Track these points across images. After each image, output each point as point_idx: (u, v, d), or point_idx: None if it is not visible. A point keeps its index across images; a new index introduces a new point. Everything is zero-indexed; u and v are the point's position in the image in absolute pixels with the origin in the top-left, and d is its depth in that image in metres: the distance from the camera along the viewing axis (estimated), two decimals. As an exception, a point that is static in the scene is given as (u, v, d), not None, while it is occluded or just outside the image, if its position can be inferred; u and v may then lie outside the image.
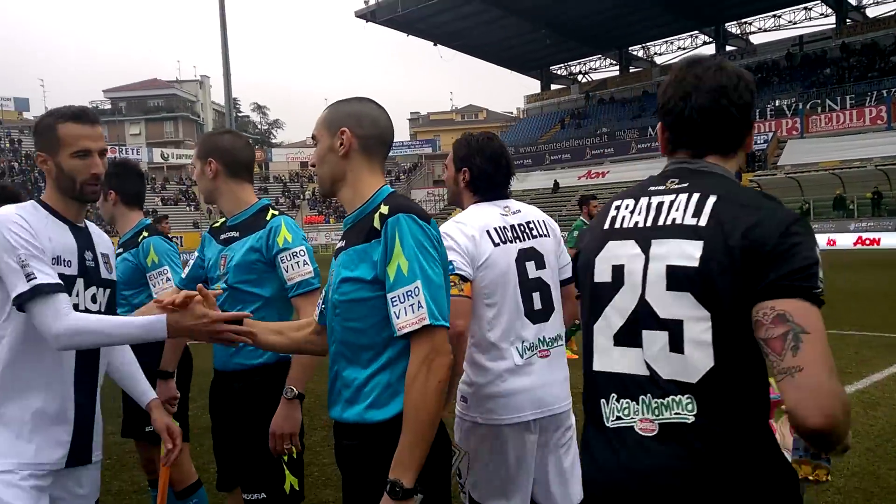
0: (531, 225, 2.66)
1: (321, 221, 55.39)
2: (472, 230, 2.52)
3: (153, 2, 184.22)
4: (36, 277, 1.94)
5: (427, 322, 1.68)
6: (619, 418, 1.51)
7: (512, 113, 72.08)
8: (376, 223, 1.79)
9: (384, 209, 1.80)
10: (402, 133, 76.76)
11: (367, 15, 44.41)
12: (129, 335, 1.99)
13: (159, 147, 66.16)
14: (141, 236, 3.35)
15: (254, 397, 2.62)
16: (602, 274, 1.58)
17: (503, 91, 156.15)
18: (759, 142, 35.71)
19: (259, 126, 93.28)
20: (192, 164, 2.79)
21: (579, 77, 58.82)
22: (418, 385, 1.68)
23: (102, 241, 2.34)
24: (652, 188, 1.59)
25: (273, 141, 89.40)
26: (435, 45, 48.54)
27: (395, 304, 1.72)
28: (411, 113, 78.71)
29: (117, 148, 62.95)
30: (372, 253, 1.79)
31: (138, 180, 3.45)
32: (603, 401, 1.55)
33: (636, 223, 1.55)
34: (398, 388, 1.76)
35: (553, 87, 59.54)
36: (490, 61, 54.57)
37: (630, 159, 43.86)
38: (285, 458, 2.60)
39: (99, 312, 2.22)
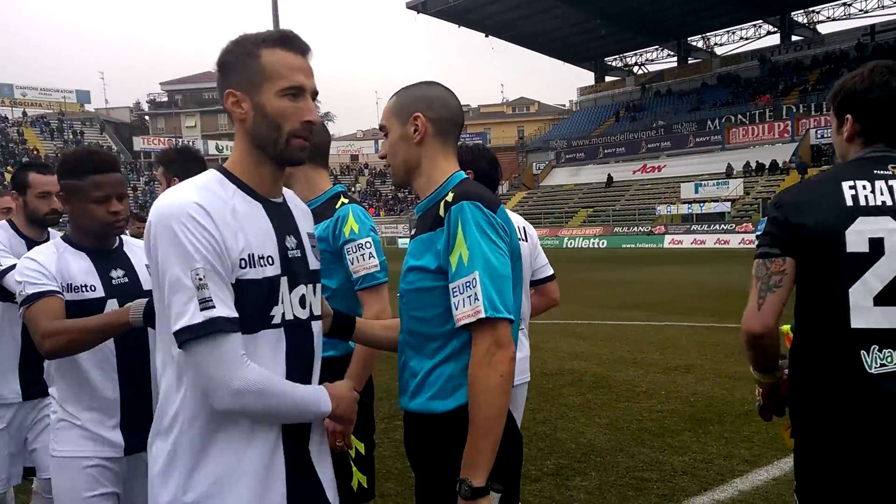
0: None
1: (372, 214, 55.20)
2: None
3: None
4: (214, 307, 1.46)
5: (482, 315, 1.65)
6: (882, 365, 1.78)
7: (564, 105, 71.12)
8: (441, 211, 1.76)
9: (450, 196, 1.76)
10: (452, 125, 76.53)
11: (418, 6, 44.09)
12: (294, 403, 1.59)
13: (214, 139, 67.19)
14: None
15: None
16: (856, 245, 1.78)
17: (555, 83, 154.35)
18: (827, 136, 34.10)
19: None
20: None
21: (635, 69, 57.41)
22: (479, 380, 1.66)
23: (304, 216, 1.84)
24: (877, 172, 1.85)
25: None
26: (486, 36, 47.98)
27: (455, 294, 1.70)
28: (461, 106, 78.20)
29: (174, 140, 64.34)
30: (436, 241, 1.76)
31: (200, 167, 3.22)
32: (863, 352, 1.78)
33: (883, 202, 1.80)
34: (461, 380, 1.73)
35: (607, 78, 58.33)
36: (542, 52, 53.66)
37: (688, 153, 42.65)
38: (352, 453, 2.52)
39: (312, 318, 1.72)
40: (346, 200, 2.61)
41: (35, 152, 53.76)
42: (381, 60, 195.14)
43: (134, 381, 2.34)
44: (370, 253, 2.51)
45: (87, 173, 2.28)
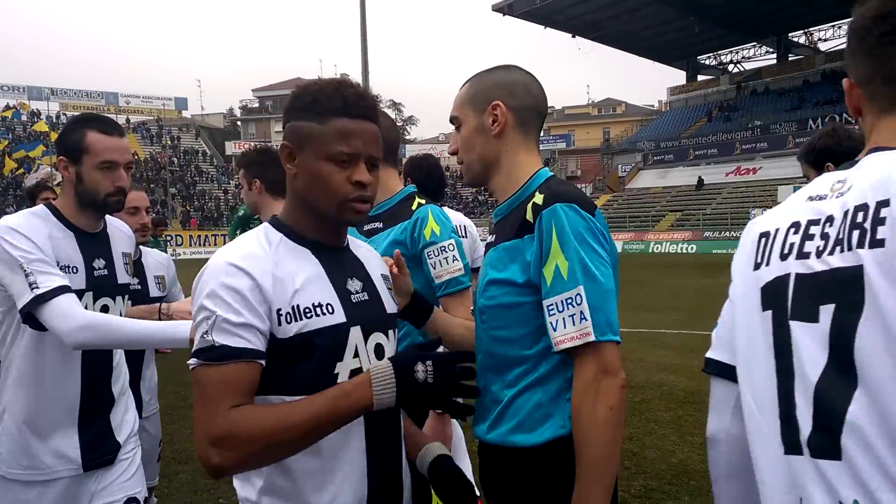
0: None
1: (452, 217, 55.46)
2: None
3: (299, 4, 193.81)
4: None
5: (592, 338, 1.43)
6: None
7: (653, 106, 69.18)
8: (528, 215, 1.55)
9: (538, 198, 1.54)
10: (535, 128, 75.93)
11: (504, 8, 43.79)
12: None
13: (301, 143, 69.01)
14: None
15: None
16: None
17: (644, 83, 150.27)
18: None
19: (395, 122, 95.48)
20: None
21: (730, 66, 55.02)
22: (585, 414, 1.43)
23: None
24: None
25: (407, 137, 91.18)
26: (573, 36, 47.11)
27: (552, 313, 1.48)
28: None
29: (263, 144, 66.39)
30: (524, 251, 1.55)
31: (279, 169, 3.07)
32: None
33: None
34: (551, 410, 1.53)
35: (700, 77, 56.19)
36: (631, 52, 52.20)
37: (785, 154, 40.35)
38: None
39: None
40: (422, 201, 2.45)
41: (135, 156, 56.70)
42: (464, 63, 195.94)
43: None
44: (454, 256, 2.33)
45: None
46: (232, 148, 63.05)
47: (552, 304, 1.48)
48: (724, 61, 55.20)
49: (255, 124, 77.48)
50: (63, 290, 2.01)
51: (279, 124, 77.87)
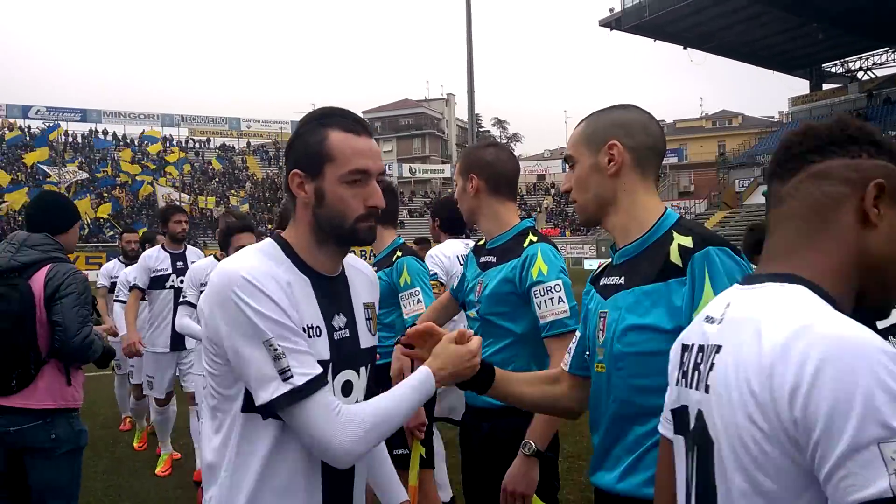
0: None
1: (557, 234, 54.83)
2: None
3: (406, 28, 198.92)
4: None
5: None
6: None
7: (773, 117, 65.52)
8: (674, 258, 1.50)
9: (684, 240, 1.51)
10: (645, 143, 73.78)
11: (611, 23, 42.93)
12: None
13: (408, 163, 70.49)
14: (395, 255, 3.30)
15: (500, 442, 2.35)
16: None
17: (762, 94, 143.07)
18: None
19: (499, 140, 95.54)
20: (455, 181, 2.61)
21: (859, 74, 51.31)
22: None
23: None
24: None
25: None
26: (685, 48, 45.45)
27: None
28: (656, 121, 75.26)
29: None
30: (670, 295, 1.49)
31: (392, 198, 3.30)
32: None
33: None
34: None
35: (826, 86, 52.71)
36: (748, 62, 49.74)
37: (927, 168, 36.96)
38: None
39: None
40: (534, 238, 2.41)
41: (254, 177, 59.79)
42: (570, 79, 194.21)
43: None
44: (560, 297, 2.28)
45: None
46: (343, 168, 65.16)
47: None
48: (853, 69, 51.55)
49: (365, 145, 79.76)
50: (324, 380, 1.44)
51: (387, 143, 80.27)
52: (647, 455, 1.52)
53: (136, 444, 6.39)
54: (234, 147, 65.79)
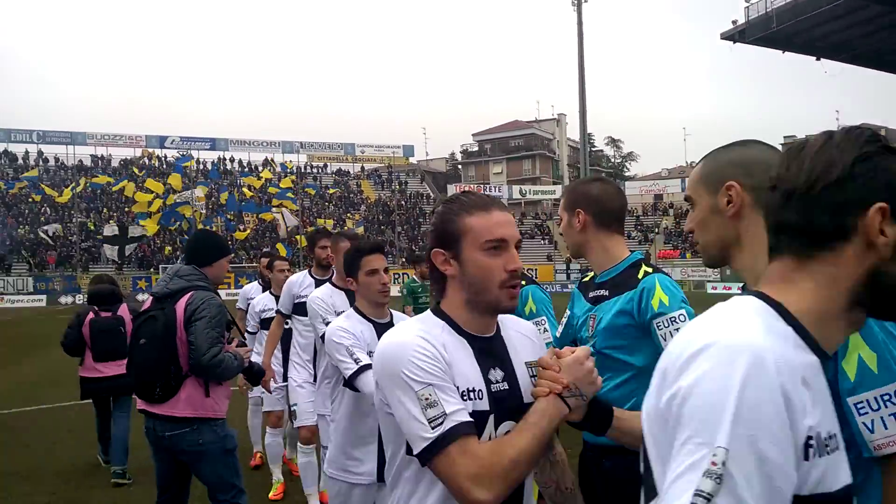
0: None
1: (676, 256, 52.77)
2: None
3: (516, 48, 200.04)
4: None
5: None
6: None
7: (918, 130, 60.34)
8: None
9: None
10: (769, 160, 70.14)
11: (734, 35, 41.18)
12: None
13: (518, 184, 70.34)
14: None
15: (622, 482, 2.10)
16: None
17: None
18: None
19: (612, 160, 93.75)
20: (559, 216, 2.64)
21: None
22: None
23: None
24: None
25: (626, 174, 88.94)
26: (817, 59, 42.86)
27: (863, 412, 1.33)
28: (784, 137, 71.08)
29: (482, 186, 68.74)
30: None
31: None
32: None
33: None
34: None
35: (978, 95, 48.00)
36: (891, 72, 46.21)
37: None
38: None
39: None
40: (649, 269, 2.40)
41: (369, 201, 61.55)
42: (690, 94, 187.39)
43: None
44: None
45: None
46: (453, 190, 65.97)
47: (862, 402, 1.33)
48: None
49: (475, 167, 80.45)
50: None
51: (497, 165, 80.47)
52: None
53: (270, 495, 5.45)
54: (349, 171, 68.15)
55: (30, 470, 6.20)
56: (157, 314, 3.50)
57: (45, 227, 47.57)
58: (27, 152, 59.79)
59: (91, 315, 6.14)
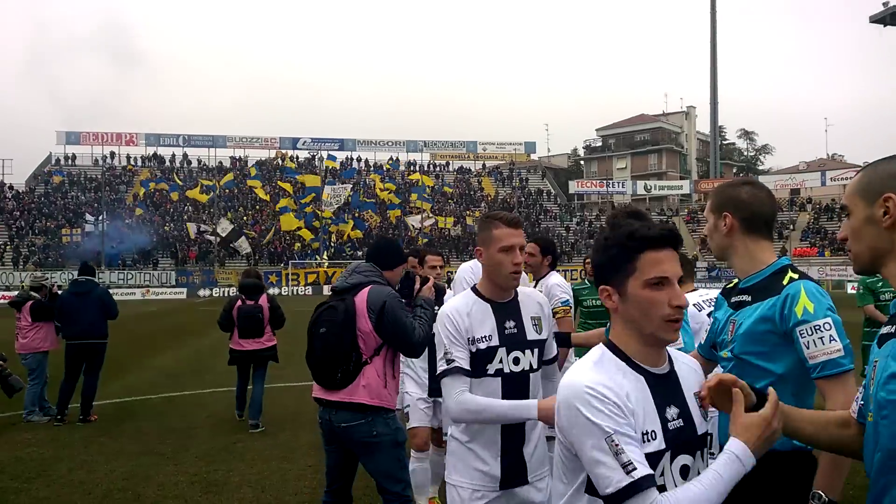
0: None
1: (814, 254, 49.34)
2: None
3: (644, 39, 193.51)
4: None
5: None
6: None
7: None
8: None
9: None
10: (927, 151, 63.70)
11: (885, 18, 37.91)
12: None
13: (643, 179, 68.28)
14: None
15: (772, 488, 2.27)
16: None
17: None
18: None
19: (745, 153, 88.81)
20: (705, 217, 2.60)
21: None
22: None
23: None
24: None
25: (760, 168, 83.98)
26: (983, 39, 38.55)
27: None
28: (940, 127, 64.37)
29: (604, 182, 67.26)
30: None
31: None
32: None
33: None
34: None
35: None
36: None
37: None
38: None
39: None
40: (795, 276, 2.33)
41: (489, 198, 61.95)
42: (833, 82, 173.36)
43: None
44: (831, 336, 2.19)
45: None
46: (575, 187, 65.03)
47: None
48: None
49: (598, 163, 78.87)
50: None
51: (621, 161, 78.42)
52: None
53: None
54: (470, 169, 68.88)
55: (174, 451, 6.90)
56: (336, 304, 3.73)
57: (208, 226, 51.00)
58: (174, 155, 64.95)
59: (239, 302, 8.09)
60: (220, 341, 17.41)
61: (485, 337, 2.74)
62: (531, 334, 2.83)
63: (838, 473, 2.13)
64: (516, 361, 2.77)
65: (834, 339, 2.19)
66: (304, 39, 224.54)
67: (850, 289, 37.96)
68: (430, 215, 52.28)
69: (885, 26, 38.29)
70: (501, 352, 2.74)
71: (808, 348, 2.20)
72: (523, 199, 63.08)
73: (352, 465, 3.86)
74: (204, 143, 65.91)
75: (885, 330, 1.64)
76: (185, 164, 64.41)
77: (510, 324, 2.80)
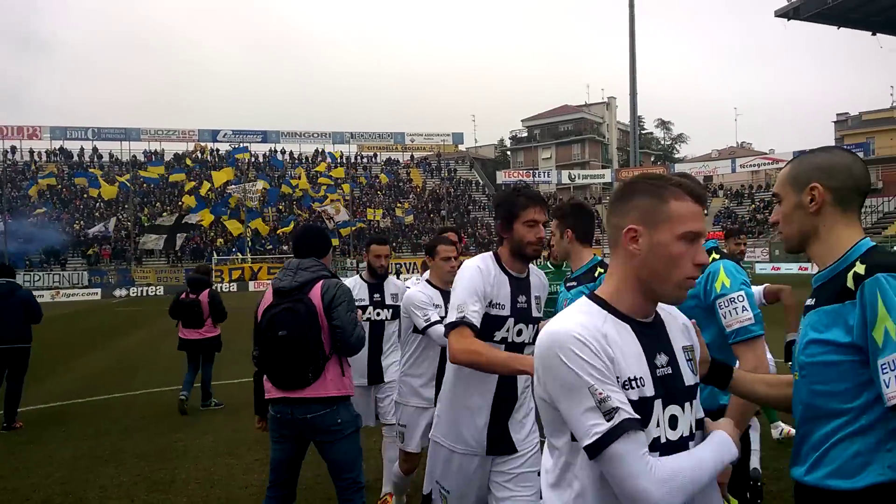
0: None
1: (721, 237, 51.65)
2: None
3: (566, 32, 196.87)
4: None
5: None
6: None
7: (985, 104, 57.39)
8: (850, 283, 1.71)
9: (860, 268, 1.71)
10: (826, 139, 67.57)
11: (789, 13, 39.88)
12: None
13: (567, 169, 69.75)
14: (597, 271, 3.48)
15: None
16: None
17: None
18: None
19: (662, 142, 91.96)
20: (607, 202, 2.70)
21: None
22: None
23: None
24: None
25: (676, 156, 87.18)
26: (873, 34, 41.20)
27: (885, 371, 1.60)
28: (838, 114, 68.50)
29: (530, 172, 68.34)
30: (846, 315, 1.70)
31: (591, 219, 3.66)
32: None
33: None
34: (870, 459, 1.67)
35: None
36: (955, 44, 44.02)
37: None
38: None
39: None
40: (717, 256, 2.69)
41: (418, 189, 61.99)
42: (742, 74, 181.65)
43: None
44: (744, 306, 2.57)
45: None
46: (502, 177, 65.83)
47: (885, 363, 1.59)
48: None
49: (524, 153, 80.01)
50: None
51: (546, 151, 79.50)
52: (830, 452, 1.72)
53: None
54: (398, 160, 68.65)
55: (111, 454, 6.70)
56: (294, 306, 3.69)
57: (102, 225, 48.93)
58: (82, 149, 61.75)
59: (183, 295, 8.97)
60: (143, 342, 17.05)
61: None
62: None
63: (742, 419, 2.39)
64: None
65: (746, 310, 2.57)
66: (226, 27, 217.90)
67: (759, 269, 40.39)
68: (339, 207, 51.71)
69: (788, 20, 40.30)
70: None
71: (725, 318, 2.58)
72: (452, 189, 63.42)
73: (300, 457, 3.91)
74: (116, 137, 63.00)
75: (808, 302, 1.86)
76: (96, 159, 61.49)
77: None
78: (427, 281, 4.44)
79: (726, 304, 2.58)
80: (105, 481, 5.86)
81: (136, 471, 6.15)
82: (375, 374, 5.22)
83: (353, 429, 3.86)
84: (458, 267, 3.49)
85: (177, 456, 6.59)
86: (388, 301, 5.22)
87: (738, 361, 2.60)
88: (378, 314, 5.21)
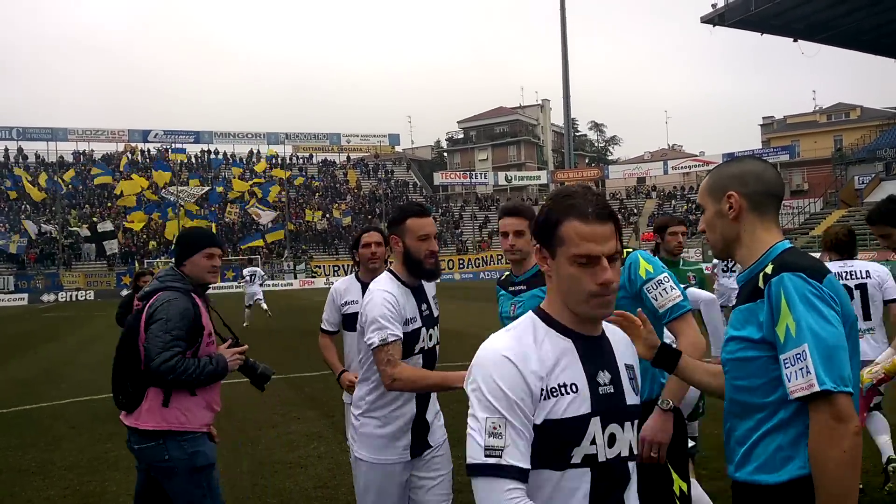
0: None
1: (653, 238, 53.17)
2: None
3: (499, 36, 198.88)
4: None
5: (816, 388, 1.63)
6: None
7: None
8: (760, 283, 1.80)
9: (769, 268, 1.80)
10: (753, 141, 70.34)
11: (714, 19, 41.34)
12: None
13: (504, 170, 70.46)
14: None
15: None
16: None
17: (883, 85, 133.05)
18: None
19: (595, 144, 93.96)
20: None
21: None
22: (821, 457, 1.64)
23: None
24: None
25: (609, 158, 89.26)
26: (795, 40, 43.17)
27: (787, 366, 1.70)
28: (763, 118, 71.54)
29: (468, 173, 68.71)
30: (757, 313, 1.79)
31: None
32: None
33: None
34: (792, 453, 1.73)
35: (954, 72, 48.55)
36: (868, 52, 46.58)
37: None
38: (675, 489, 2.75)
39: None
40: (630, 249, 2.78)
41: (356, 190, 61.50)
42: (672, 78, 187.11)
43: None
44: (671, 286, 2.70)
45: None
46: (440, 178, 65.98)
47: (786, 359, 1.69)
48: None
49: (461, 154, 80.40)
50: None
51: (482, 152, 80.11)
52: (756, 447, 1.79)
53: None
54: (335, 161, 67.95)
55: (38, 466, 6.38)
56: (132, 320, 3.34)
57: (51, 225, 46.84)
58: (6, 149, 59.14)
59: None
60: (72, 348, 16.32)
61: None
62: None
63: (680, 388, 2.61)
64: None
65: (674, 289, 2.70)
66: (157, 25, 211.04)
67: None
68: (257, 213, 50.91)
69: (714, 26, 41.80)
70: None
71: (657, 300, 2.70)
72: (389, 191, 63.20)
73: (156, 490, 3.34)
74: (42, 137, 60.37)
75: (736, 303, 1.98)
76: (21, 160, 58.75)
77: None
78: (356, 276, 4.44)
79: (655, 287, 2.70)
80: (31, 495, 5.58)
81: (64, 483, 5.87)
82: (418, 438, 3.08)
83: (188, 468, 3.23)
84: (380, 264, 3.48)
85: (107, 467, 6.30)
86: None
87: (675, 339, 2.72)
88: None
